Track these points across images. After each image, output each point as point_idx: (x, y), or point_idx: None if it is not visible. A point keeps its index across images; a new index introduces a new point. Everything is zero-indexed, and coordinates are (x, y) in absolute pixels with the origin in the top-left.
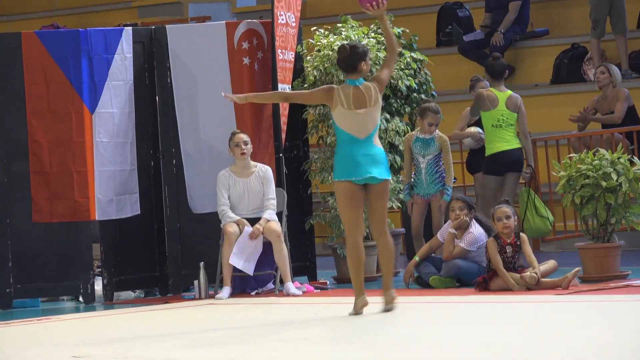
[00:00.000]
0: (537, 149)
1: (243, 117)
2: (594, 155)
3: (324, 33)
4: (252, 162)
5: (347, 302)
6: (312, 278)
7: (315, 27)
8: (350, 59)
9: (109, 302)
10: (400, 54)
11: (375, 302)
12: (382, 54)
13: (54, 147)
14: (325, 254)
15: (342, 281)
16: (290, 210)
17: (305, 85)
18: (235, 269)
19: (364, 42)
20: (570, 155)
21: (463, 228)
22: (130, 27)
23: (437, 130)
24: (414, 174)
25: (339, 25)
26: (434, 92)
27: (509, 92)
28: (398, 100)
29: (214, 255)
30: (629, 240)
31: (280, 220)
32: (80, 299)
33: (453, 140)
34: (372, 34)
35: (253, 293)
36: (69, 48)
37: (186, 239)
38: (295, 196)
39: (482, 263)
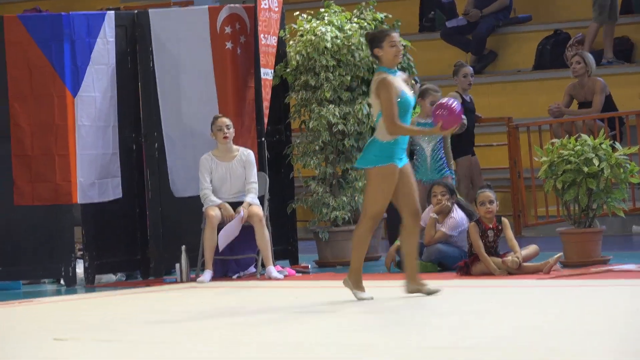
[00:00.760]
0: (520, 135)
1: (226, 101)
2: (576, 141)
3: (307, 18)
4: (235, 146)
5: (328, 285)
6: (294, 262)
7: (298, 12)
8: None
9: (90, 285)
10: None
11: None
12: (364, 39)
13: (36, 130)
14: (307, 238)
15: (324, 265)
16: (272, 194)
17: (287, 70)
18: (217, 252)
19: (347, 27)
20: (552, 141)
21: (445, 213)
22: (113, 11)
23: None
24: (417, 159)
25: (322, 10)
26: (416, 78)
27: None
28: None
29: (195, 238)
30: (610, 226)
31: (262, 204)
32: (62, 281)
33: None
34: (355, 19)
35: (235, 277)
36: (52, 32)
37: (168, 223)
38: (277, 180)
39: (463, 247)
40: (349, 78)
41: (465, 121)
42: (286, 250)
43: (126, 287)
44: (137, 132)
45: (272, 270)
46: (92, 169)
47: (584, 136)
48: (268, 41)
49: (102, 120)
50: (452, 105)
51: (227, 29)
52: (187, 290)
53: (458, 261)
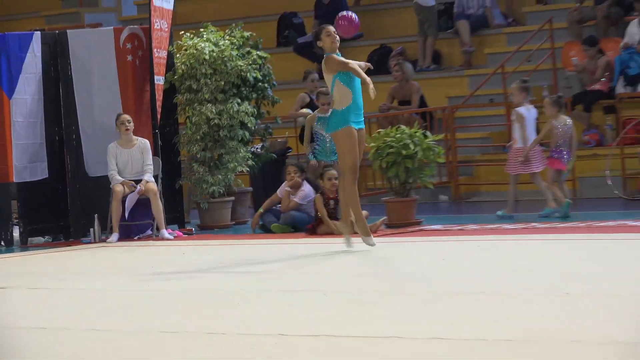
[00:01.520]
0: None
1: (127, 102)
2: (397, 130)
3: (190, 36)
4: (134, 137)
5: (208, 244)
6: (181, 226)
7: (183, 32)
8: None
9: (24, 245)
10: (248, 53)
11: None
12: (235, 53)
13: None
14: (191, 208)
15: (204, 228)
16: (164, 174)
17: (175, 77)
18: (122, 219)
19: (221, 42)
20: (379, 130)
21: (296, 187)
22: (39, 32)
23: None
24: (318, 145)
25: (202, 30)
26: (274, 82)
27: None
28: (247, 89)
29: (105, 209)
30: (423, 196)
31: (156, 181)
32: (2, 243)
33: (289, 118)
34: (227, 37)
35: (136, 238)
36: None
37: (84, 196)
38: (168, 163)
39: (311, 213)
40: (222, 83)
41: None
42: (175, 217)
43: (52, 247)
44: (59, 126)
45: (165, 232)
46: (25, 155)
47: (403, 127)
48: (160, 54)
49: (32, 117)
50: (351, 16)
51: (128, 45)
52: (99, 249)
53: (307, 224)
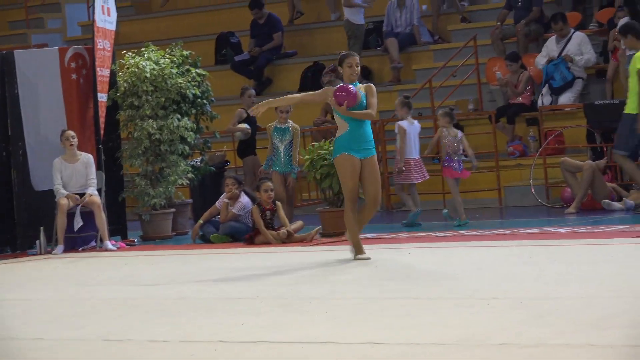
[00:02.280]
0: None
1: (72, 118)
2: (330, 143)
3: (132, 55)
4: (79, 152)
5: (150, 255)
6: (124, 237)
7: (125, 51)
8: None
9: None
10: (188, 71)
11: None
12: (175, 70)
13: None
14: (134, 219)
15: (146, 239)
16: (107, 187)
17: (118, 94)
18: (67, 231)
19: (162, 61)
20: (313, 143)
21: (234, 198)
22: None
23: (290, 121)
24: (274, 155)
25: (143, 49)
26: (213, 99)
27: None
28: (187, 105)
29: (51, 221)
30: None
31: (100, 194)
32: None
33: (227, 133)
34: (167, 56)
35: (80, 249)
36: None
37: (30, 210)
38: (111, 176)
39: (249, 224)
40: (163, 99)
41: (249, 130)
42: (118, 229)
43: None
44: (7, 142)
45: (108, 243)
46: None
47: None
48: (103, 73)
49: None
50: (349, 88)
51: (73, 64)
52: (45, 260)
53: (245, 234)
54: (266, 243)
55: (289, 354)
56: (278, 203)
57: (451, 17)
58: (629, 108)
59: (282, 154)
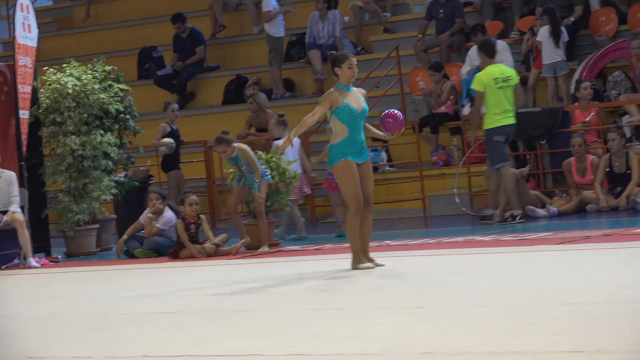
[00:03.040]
0: (213, 153)
1: None
2: (266, 153)
3: (53, 72)
4: (1, 169)
5: (74, 271)
6: (48, 254)
7: (47, 67)
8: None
9: None
10: (110, 86)
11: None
12: (97, 86)
13: None
14: (57, 236)
15: (70, 255)
16: (30, 204)
17: (40, 111)
18: None
19: (84, 77)
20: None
21: (158, 213)
22: None
23: (236, 145)
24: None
25: (65, 65)
26: (136, 114)
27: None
28: (110, 120)
29: None
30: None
31: (23, 211)
32: None
33: (151, 148)
34: (89, 71)
35: (3, 267)
36: None
37: None
38: (34, 193)
39: (173, 238)
40: (86, 115)
41: (174, 145)
42: (42, 246)
43: None
44: None
45: (32, 260)
46: None
47: (260, 152)
48: (25, 89)
49: None
50: (396, 114)
51: None
52: None
53: (170, 248)
54: (191, 257)
55: None
56: (202, 217)
57: (374, 28)
58: (485, 124)
59: (245, 173)
